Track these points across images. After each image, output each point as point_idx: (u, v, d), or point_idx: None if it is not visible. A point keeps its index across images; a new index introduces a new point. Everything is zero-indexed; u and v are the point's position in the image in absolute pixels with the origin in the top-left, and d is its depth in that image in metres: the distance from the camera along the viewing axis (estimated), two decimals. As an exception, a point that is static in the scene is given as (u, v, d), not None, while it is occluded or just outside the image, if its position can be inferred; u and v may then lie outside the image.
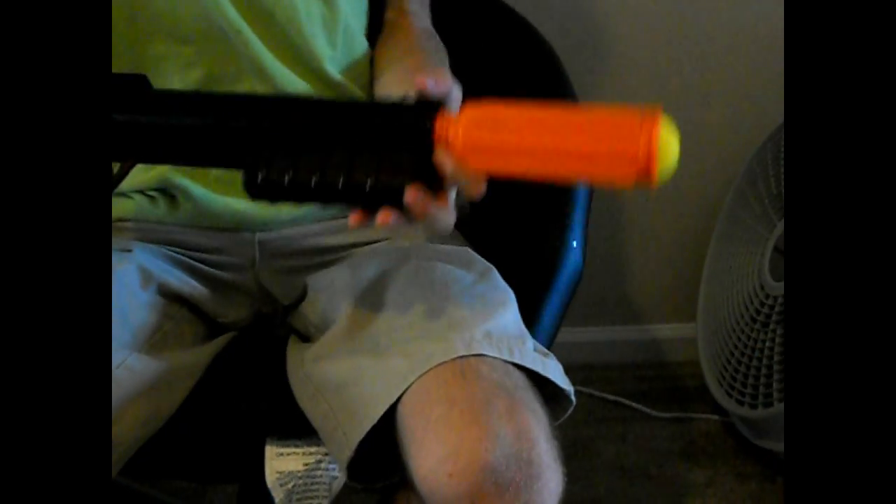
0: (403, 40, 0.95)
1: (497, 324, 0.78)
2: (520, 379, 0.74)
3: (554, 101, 0.70)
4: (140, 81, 0.74)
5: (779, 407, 1.35)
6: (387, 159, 0.69)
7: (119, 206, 0.94)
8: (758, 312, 1.43)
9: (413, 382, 0.72)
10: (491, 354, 0.74)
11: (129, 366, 0.81)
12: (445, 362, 0.72)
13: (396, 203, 0.68)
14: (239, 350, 0.93)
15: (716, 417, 1.59)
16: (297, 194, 0.71)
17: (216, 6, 0.87)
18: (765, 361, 1.39)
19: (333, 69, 0.94)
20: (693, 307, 1.65)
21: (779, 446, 1.41)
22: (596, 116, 0.65)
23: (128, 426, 0.79)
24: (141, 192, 0.94)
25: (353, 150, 0.70)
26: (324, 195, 0.70)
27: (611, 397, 1.64)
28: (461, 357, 0.73)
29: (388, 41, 0.97)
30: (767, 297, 1.42)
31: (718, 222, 1.61)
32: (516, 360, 0.75)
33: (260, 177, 0.70)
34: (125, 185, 0.92)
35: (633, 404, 1.63)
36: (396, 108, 0.71)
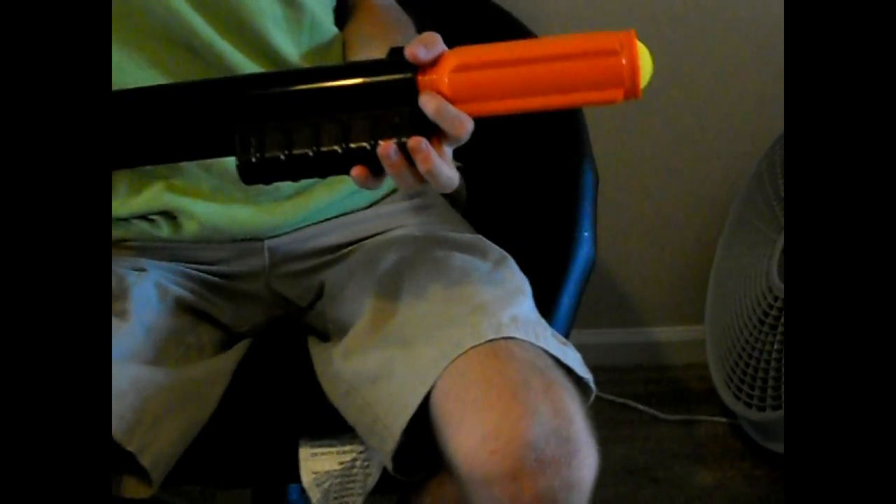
0: (370, 19, 0.95)
1: (520, 310, 0.78)
2: (549, 360, 0.75)
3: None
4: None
5: (787, 409, 1.36)
6: (381, 118, 0.68)
7: (122, 231, 0.93)
8: (766, 314, 1.43)
9: (447, 367, 0.73)
10: (520, 337, 0.75)
11: (157, 382, 0.80)
12: (477, 346, 0.73)
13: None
14: (258, 355, 0.93)
15: (723, 420, 1.58)
16: (294, 170, 0.69)
17: (181, 23, 0.85)
18: (773, 364, 1.39)
19: (303, 63, 0.92)
20: (700, 310, 1.65)
21: (787, 448, 1.41)
22: (573, 44, 0.68)
23: (165, 442, 0.78)
24: (140, 216, 0.92)
25: (343, 113, 0.68)
26: (323, 165, 0.69)
27: (618, 400, 1.64)
28: (491, 340, 0.73)
29: (353, 24, 0.96)
30: (776, 299, 1.42)
31: (727, 224, 1.61)
32: (542, 345, 0.76)
33: (254, 158, 0.68)
34: (122, 210, 0.91)
35: (641, 407, 1.62)
36: (376, 65, 0.71)
